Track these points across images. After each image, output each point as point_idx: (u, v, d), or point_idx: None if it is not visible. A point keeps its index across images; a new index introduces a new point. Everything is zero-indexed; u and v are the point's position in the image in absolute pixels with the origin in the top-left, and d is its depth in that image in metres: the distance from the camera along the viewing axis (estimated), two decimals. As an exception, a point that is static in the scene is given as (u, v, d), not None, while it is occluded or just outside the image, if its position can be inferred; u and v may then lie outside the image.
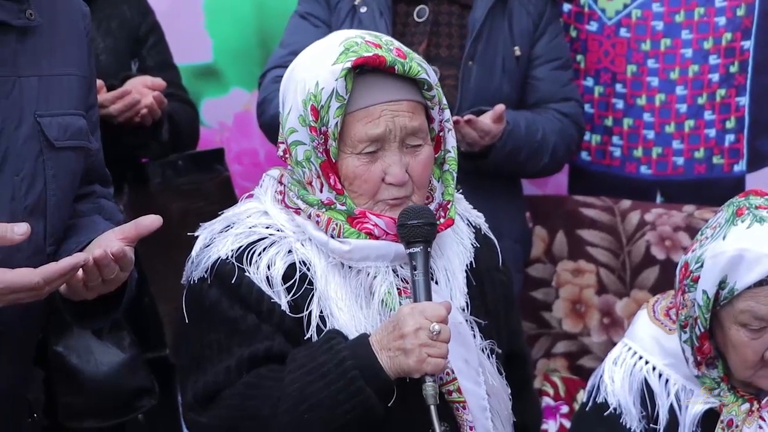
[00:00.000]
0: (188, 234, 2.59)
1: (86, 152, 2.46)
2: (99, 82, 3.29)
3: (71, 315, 2.44)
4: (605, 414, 2.86)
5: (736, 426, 2.77)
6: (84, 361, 3.10)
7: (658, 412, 2.84)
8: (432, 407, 2.29)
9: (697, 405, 2.80)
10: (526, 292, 3.84)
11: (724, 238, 2.71)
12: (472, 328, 2.48)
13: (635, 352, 2.91)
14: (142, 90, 3.34)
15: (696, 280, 2.74)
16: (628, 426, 2.84)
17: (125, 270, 2.31)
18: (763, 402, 2.79)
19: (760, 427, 2.77)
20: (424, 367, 2.28)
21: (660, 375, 2.86)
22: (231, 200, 3.48)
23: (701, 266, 2.73)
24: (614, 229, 3.84)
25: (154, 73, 3.48)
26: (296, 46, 3.42)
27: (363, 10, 3.47)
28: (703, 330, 2.75)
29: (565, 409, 3.68)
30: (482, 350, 2.50)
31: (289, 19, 3.65)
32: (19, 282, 2.18)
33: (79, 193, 2.50)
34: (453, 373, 2.41)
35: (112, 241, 2.28)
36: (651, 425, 2.84)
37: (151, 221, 2.29)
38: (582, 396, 3.67)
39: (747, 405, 2.79)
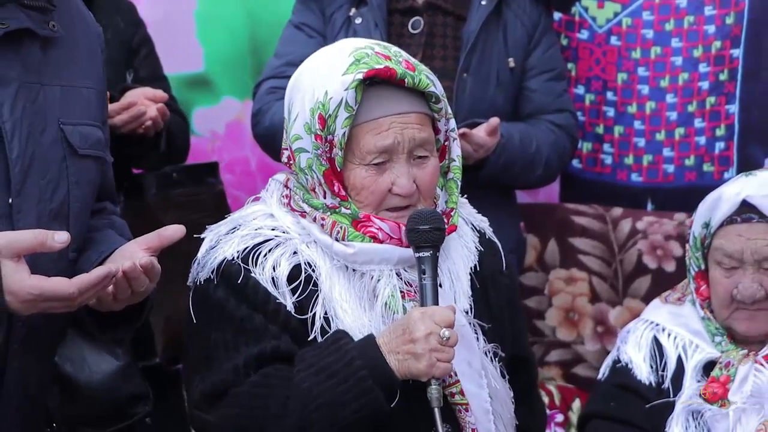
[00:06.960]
0: (181, 245, 2.57)
1: (103, 164, 2.49)
2: None
3: (95, 326, 2.44)
4: (617, 366, 3.06)
5: (732, 365, 2.95)
6: (78, 370, 3.09)
7: (665, 363, 3.03)
8: (436, 410, 2.30)
9: (701, 354, 3.00)
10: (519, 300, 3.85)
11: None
12: (475, 331, 2.50)
13: (646, 320, 3.11)
14: (146, 101, 3.34)
15: (691, 226, 3.05)
16: (638, 378, 3.02)
17: (153, 281, 2.32)
18: (761, 351, 2.97)
19: (757, 370, 2.94)
20: (433, 371, 2.31)
21: (669, 334, 3.05)
22: (225, 213, 3.47)
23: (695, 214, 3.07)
24: (606, 237, 3.84)
25: (146, 85, 3.48)
26: (291, 57, 3.44)
27: (358, 21, 3.46)
28: (696, 269, 3.04)
29: (559, 417, 3.68)
30: (485, 353, 2.51)
31: (283, 30, 3.64)
32: (55, 291, 2.18)
33: (92, 209, 2.51)
34: (456, 375, 2.42)
35: (137, 252, 2.30)
36: (660, 373, 3.02)
37: (174, 231, 2.31)
38: (577, 404, 3.69)
39: (744, 351, 2.99)
